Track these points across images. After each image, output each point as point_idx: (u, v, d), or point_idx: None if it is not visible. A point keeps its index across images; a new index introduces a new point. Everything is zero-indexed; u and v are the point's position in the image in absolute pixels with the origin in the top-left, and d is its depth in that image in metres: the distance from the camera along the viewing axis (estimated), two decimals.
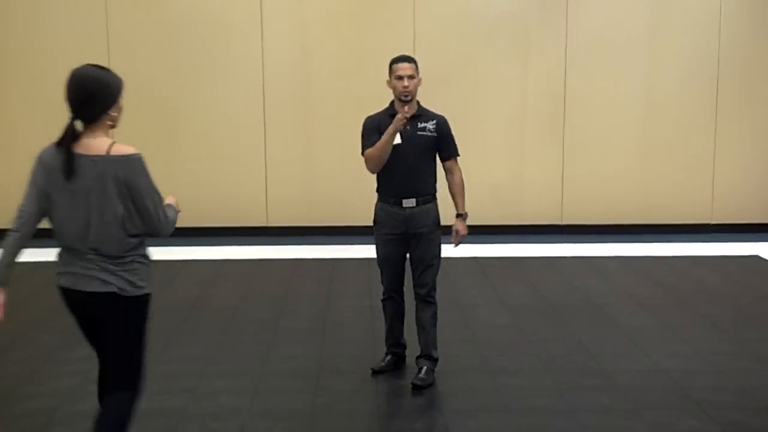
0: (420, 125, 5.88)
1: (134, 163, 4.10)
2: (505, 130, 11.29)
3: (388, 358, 6.23)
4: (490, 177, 11.08)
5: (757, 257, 9.96)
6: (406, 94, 5.83)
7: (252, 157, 11.06)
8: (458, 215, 6.00)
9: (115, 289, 4.12)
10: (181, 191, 11.01)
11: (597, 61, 11.20)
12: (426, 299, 6.01)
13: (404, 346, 6.28)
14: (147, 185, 4.13)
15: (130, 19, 10.88)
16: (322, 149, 10.84)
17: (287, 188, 11.10)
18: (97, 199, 4.04)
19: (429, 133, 5.90)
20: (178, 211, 4.49)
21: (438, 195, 6.04)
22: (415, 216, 5.90)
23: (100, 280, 4.10)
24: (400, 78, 5.84)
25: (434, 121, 5.92)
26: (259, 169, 11.02)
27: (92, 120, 4.15)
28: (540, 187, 11.39)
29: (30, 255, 9.97)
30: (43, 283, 8.68)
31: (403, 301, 6.18)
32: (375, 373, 6.11)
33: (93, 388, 5.77)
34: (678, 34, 11.23)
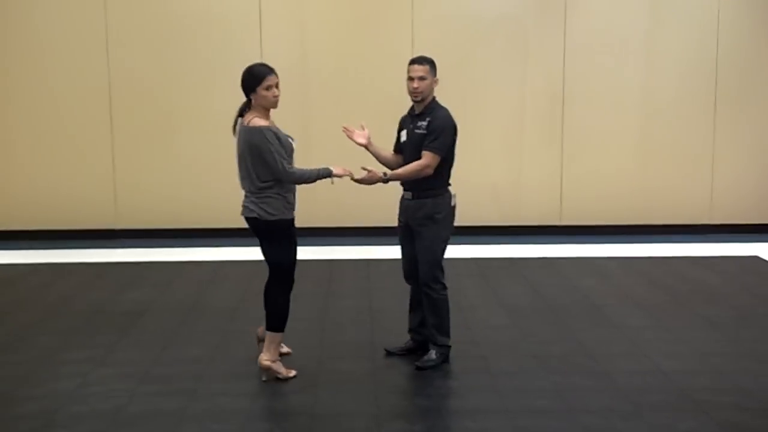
0: (419, 123, 6.12)
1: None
2: (503, 131, 11.29)
3: (406, 342, 6.51)
4: (489, 177, 11.09)
5: (756, 258, 9.96)
6: (416, 95, 6.13)
7: None
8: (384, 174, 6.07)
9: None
10: (180, 192, 11.12)
11: (595, 61, 11.20)
12: (423, 289, 6.23)
13: (420, 334, 6.43)
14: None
15: (128, 20, 10.87)
16: (320, 150, 10.82)
17: None
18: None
19: (421, 131, 6.10)
20: (321, 172, 5.84)
21: (456, 192, 6.23)
22: (410, 208, 6.22)
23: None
24: (411, 79, 6.13)
25: (429, 118, 6.09)
26: None
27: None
28: (538, 188, 11.39)
29: (28, 257, 10.05)
30: (41, 284, 8.69)
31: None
32: (388, 354, 6.45)
33: (92, 389, 5.80)
34: (676, 35, 11.23)
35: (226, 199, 11.09)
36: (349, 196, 10.62)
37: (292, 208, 5.94)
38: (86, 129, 11.00)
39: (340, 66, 11.00)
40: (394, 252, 9.90)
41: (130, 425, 5.25)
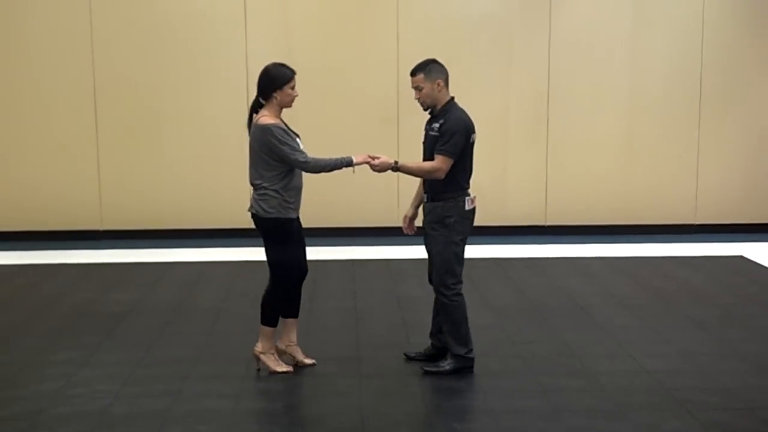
0: (433, 125, 6.09)
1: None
2: (488, 131, 11.24)
3: (426, 348, 6.42)
4: (474, 177, 11.06)
5: (740, 257, 9.99)
6: (421, 104, 6.15)
7: (236, 159, 10.99)
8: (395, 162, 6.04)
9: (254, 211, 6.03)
10: (165, 193, 11.09)
11: (580, 61, 11.22)
12: (436, 294, 6.18)
13: (440, 339, 6.32)
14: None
15: (114, 20, 10.83)
16: (306, 149, 10.81)
17: None
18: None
19: (434, 133, 6.05)
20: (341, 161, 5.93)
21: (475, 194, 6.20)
22: (425, 211, 6.18)
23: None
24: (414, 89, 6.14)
25: (441, 121, 6.03)
26: (243, 170, 10.79)
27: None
28: (523, 188, 11.40)
29: (13, 258, 10.01)
30: (27, 285, 8.66)
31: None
32: (408, 358, 6.39)
33: (77, 391, 5.78)
34: (661, 34, 11.27)
35: (211, 200, 11.14)
36: (333, 196, 10.62)
37: (293, 208, 6.03)
38: (71, 130, 10.96)
39: (325, 66, 10.99)
40: (379, 253, 9.95)
41: (115, 426, 5.23)
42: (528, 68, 11.22)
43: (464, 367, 6.12)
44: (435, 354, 6.31)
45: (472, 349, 6.15)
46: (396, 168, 6.00)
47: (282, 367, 6.10)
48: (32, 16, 10.77)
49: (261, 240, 6.14)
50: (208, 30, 10.95)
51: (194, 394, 5.75)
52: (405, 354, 6.42)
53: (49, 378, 6.02)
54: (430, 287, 6.24)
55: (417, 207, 6.39)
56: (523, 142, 11.35)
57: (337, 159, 5.93)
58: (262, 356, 6.10)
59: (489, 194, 11.24)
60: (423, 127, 6.26)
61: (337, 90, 10.96)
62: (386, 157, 6.01)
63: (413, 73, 6.10)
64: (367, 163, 5.95)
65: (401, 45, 10.88)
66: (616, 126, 11.40)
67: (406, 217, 6.42)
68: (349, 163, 5.92)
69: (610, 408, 5.50)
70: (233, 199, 10.98)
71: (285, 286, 6.09)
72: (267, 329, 6.10)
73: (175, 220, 11.18)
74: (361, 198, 10.78)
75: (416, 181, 6.34)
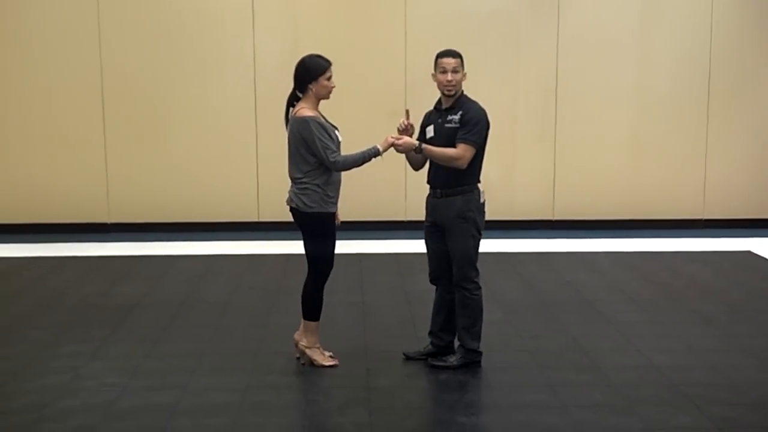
0: (449, 117, 5.99)
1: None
2: (496, 126, 11.11)
3: (426, 346, 6.33)
4: (482, 173, 11.06)
5: (748, 252, 9.97)
6: (450, 88, 6.00)
7: (244, 153, 11.03)
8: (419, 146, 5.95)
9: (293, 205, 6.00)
10: (172, 186, 11.10)
11: (588, 57, 11.19)
12: (457, 290, 6.07)
13: (441, 338, 6.27)
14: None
15: (121, 16, 10.83)
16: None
17: (279, 184, 10.92)
18: None
19: (454, 125, 5.96)
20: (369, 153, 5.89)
21: (485, 188, 6.13)
22: (439, 206, 6.05)
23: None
24: (444, 71, 5.99)
25: (461, 112, 5.97)
26: (250, 164, 10.99)
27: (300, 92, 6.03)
28: (531, 183, 11.39)
29: (20, 251, 10.01)
30: (34, 278, 8.67)
31: (448, 293, 6.18)
32: (407, 358, 6.28)
33: (83, 384, 5.78)
34: (669, 30, 11.24)
35: (218, 194, 11.14)
36: (343, 190, 10.60)
37: (333, 202, 6.01)
38: (79, 123, 10.97)
39: (333, 60, 10.94)
40: (387, 247, 9.94)
41: (122, 419, 5.23)
42: (536, 63, 11.19)
43: (472, 362, 6.11)
44: (435, 353, 6.25)
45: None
46: (419, 150, 5.92)
47: (329, 361, 6.12)
48: (40, 10, 10.77)
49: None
50: (216, 23, 10.94)
51: (201, 387, 5.75)
52: (404, 354, 6.32)
53: (55, 371, 6.03)
54: (453, 280, 6.12)
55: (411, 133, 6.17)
56: (531, 137, 11.33)
57: (364, 152, 5.89)
58: (307, 351, 6.09)
59: (497, 189, 11.22)
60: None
61: (344, 84, 10.80)
62: (410, 139, 5.97)
63: (453, 55, 6.03)
64: (392, 145, 5.93)
65: (409, 40, 10.87)
66: (624, 121, 11.37)
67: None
68: (376, 153, 5.91)
69: (618, 403, 5.49)
70: (241, 193, 11.00)
71: (325, 279, 6.11)
72: (311, 324, 6.11)
73: (182, 214, 11.18)
74: (369, 192, 10.75)
75: (424, 177, 6.26)
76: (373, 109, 10.95)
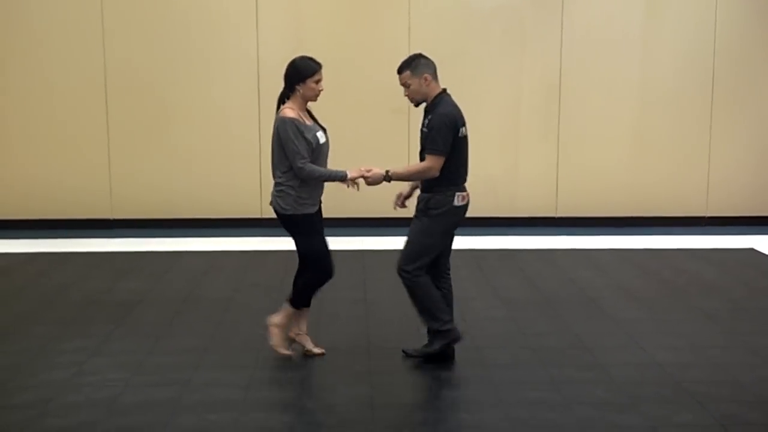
0: (425, 121, 6.04)
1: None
2: (500, 123, 11.28)
3: (425, 343, 6.28)
4: (485, 169, 11.06)
5: (751, 250, 9.97)
6: (410, 101, 6.12)
7: (247, 150, 11.03)
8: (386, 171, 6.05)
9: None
10: (175, 183, 11.10)
11: (592, 53, 11.18)
12: (398, 274, 6.12)
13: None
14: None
15: (125, 12, 10.83)
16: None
17: None
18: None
19: (425, 129, 6.01)
20: (335, 174, 5.96)
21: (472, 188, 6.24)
22: (417, 200, 6.19)
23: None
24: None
25: (430, 117, 5.99)
26: (253, 161, 10.98)
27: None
28: (535, 180, 11.38)
29: (24, 246, 10.03)
30: (38, 274, 8.68)
31: (437, 287, 6.16)
32: (406, 355, 6.25)
33: (87, 379, 5.79)
34: (673, 28, 11.22)
35: (221, 190, 11.15)
36: (341, 187, 10.61)
37: (310, 204, 6.01)
38: (82, 119, 10.97)
39: (336, 59, 10.91)
40: (390, 243, 9.93)
41: (125, 415, 5.24)
42: (540, 60, 11.19)
43: (450, 341, 6.08)
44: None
45: (448, 321, 6.08)
46: (388, 178, 6.01)
47: (284, 350, 6.15)
48: (44, 7, 10.77)
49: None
50: (220, 21, 10.94)
51: (204, 383, 5.75)
52: (403, 351, 6.31)
53: (59, 366, 6.03)
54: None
55: (413, 189, 6.38)
56: (534, 134, 11.32)
57: (332, 172, 5.97)
58: (273, 328, 6.15)
59: (500, 185, 11.25)
60: None
61: (348, 81, 10.94)
62: (377, 169, 6.02)
63: (399, 71, 6.03)
64: (362, 177, 6.01)
65: (412, 36, 10.86)
66: (627, 118, 11.37)
67: (401, 194, 6.44)
68: (342, 178, 5.96)
69: (620, 400, 5.49)
70: (244, 189, 11.00)
71: (322, 273, 6.15)
72: (292, 310, 6.17)
73: (185, 210, 11.19)
74: (372, 188, 10.75)
75: None
76: (377, 105, 10.95)
